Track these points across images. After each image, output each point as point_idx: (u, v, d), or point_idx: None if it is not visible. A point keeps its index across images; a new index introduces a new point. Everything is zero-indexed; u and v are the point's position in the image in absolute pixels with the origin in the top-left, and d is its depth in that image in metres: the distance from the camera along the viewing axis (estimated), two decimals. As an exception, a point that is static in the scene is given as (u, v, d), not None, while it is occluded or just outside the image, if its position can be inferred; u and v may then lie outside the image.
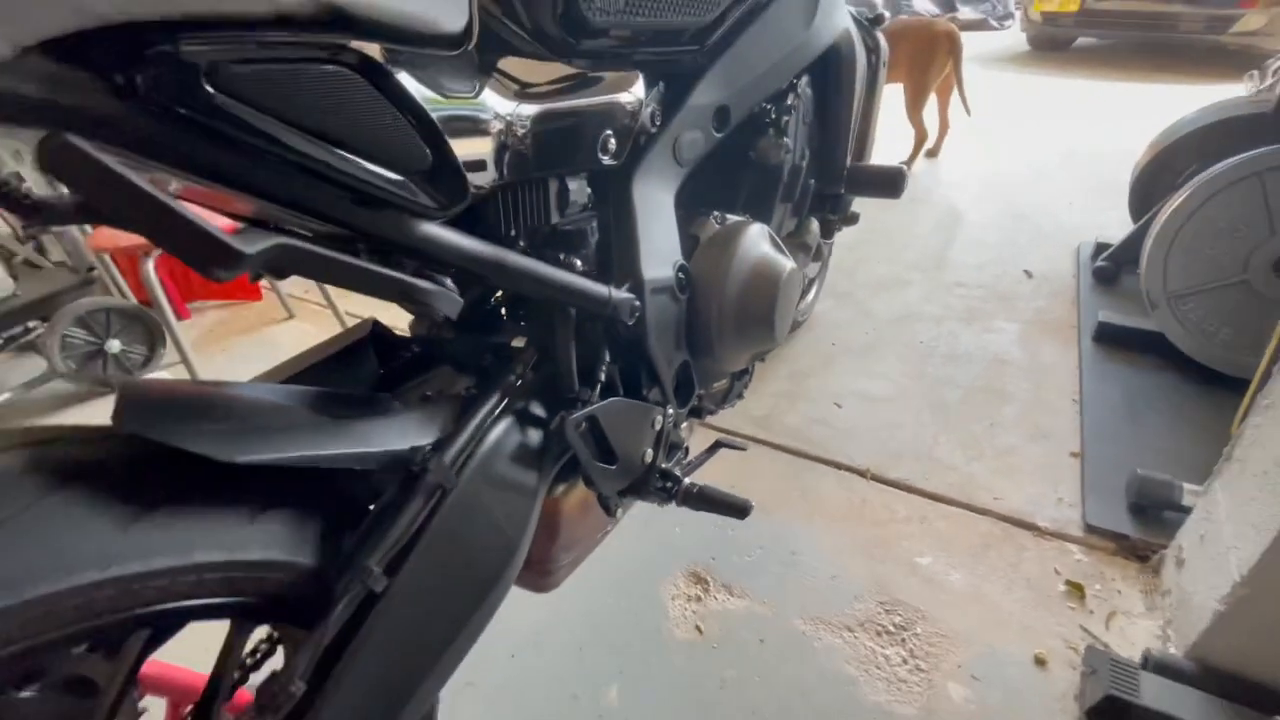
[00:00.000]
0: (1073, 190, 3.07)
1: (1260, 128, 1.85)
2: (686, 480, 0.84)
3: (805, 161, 1.12)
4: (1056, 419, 1.64)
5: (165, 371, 2.02)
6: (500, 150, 0.56)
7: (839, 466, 1.54)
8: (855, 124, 1.21)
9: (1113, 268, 2.17)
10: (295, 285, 2.48)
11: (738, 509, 0.81)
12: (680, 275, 0.84)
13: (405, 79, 0.46)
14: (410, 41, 0.46)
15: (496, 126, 0.56)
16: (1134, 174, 2.29)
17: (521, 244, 0.68)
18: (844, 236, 2.62)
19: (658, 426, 0.85)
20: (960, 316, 2.11)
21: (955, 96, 3.22)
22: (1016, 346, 1.94)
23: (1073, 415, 1.64)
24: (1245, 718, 0.97)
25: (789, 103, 1.01)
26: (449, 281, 0.57)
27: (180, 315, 2.28)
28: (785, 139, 1.01)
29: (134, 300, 2.05)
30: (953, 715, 1.04)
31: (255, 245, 0.40)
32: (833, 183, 1.22)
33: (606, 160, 0.72)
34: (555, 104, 0.63)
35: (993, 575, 1.25)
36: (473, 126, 0.54)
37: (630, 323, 0.75)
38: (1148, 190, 2.21)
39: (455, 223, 0.56)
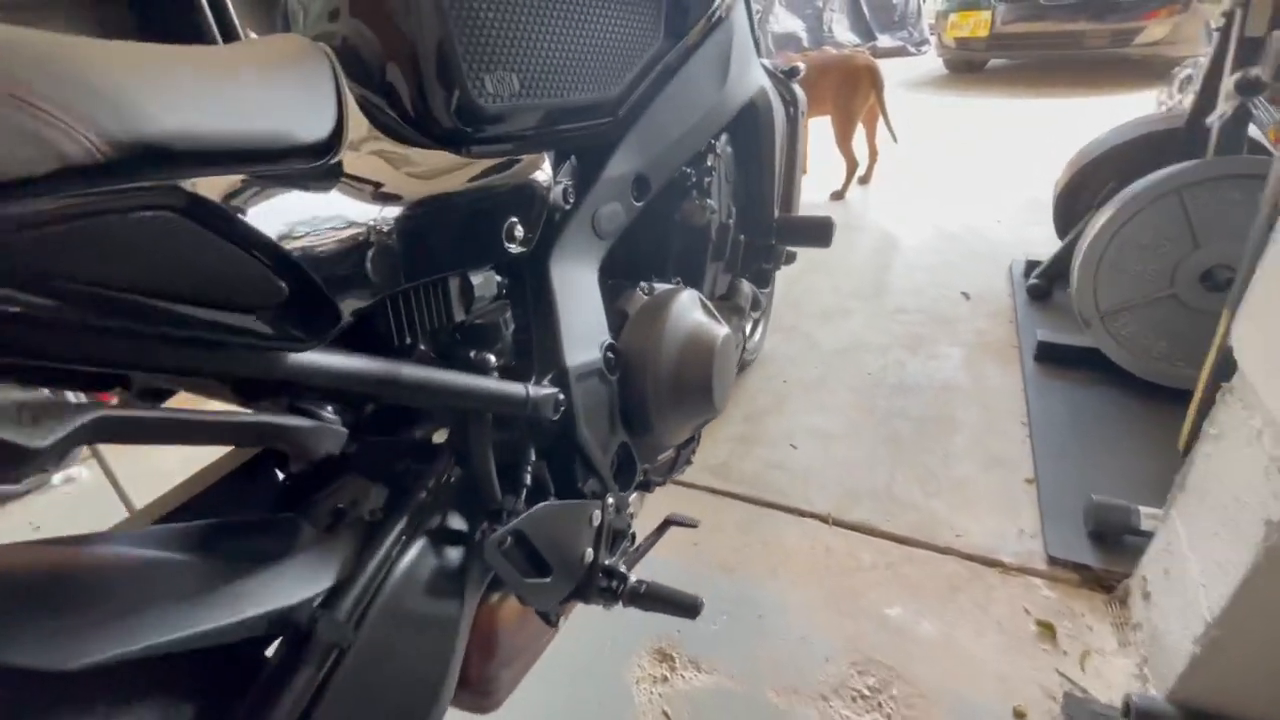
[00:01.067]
0: (999, 208, 3.17)
1: (1173, 143, 1.92)
2: (633, 579, 0.78)
3: (733, 219, 1.09)
4: (1008, 444, 1.64)
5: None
6: (380, 262, 0.50)
7: (800, 513, 1.50)
8: (780, 176, 1.20)
9: (1045, 284, 2.23)
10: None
11: (688, 608, 0.75)
12: (609, 355, 0.79)
13: (247, 206, 0.40)
14: (259, 161, 0.40)
15: (375, 237, 0.50)
16: (1055, 193, 2.36)
17: (422, 347, 0.62)
18: (786, 269, 2.64)
19: (596, 522, 0.78)
20: (904, 344, 2.12)
21: (882, 125, 3.32)
22: (962, 371, 1.95)
23: (1023, 439, 1.65)
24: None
25: (709, 164, 0.98)
26: (329, 411, 0.50)
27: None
28: (709, 200, 0.98)
29: None
30: (937, 784, 0.98)
31: (54, 434, 0.33)
32: (763, 235, 1.20)
33: (515, 248, 0.67)
34: (450, 200, 0.58)
35: (963, 621, 1.22)
36: (345, 243, 0.47)
37: (555, 418, 0.70)
38: (1069, 208, 2.27)
39: (338, 340, 0.50)
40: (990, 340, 2.09)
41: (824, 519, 1.47)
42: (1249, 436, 0.85)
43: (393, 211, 0.52)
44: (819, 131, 3.83)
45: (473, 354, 0.65)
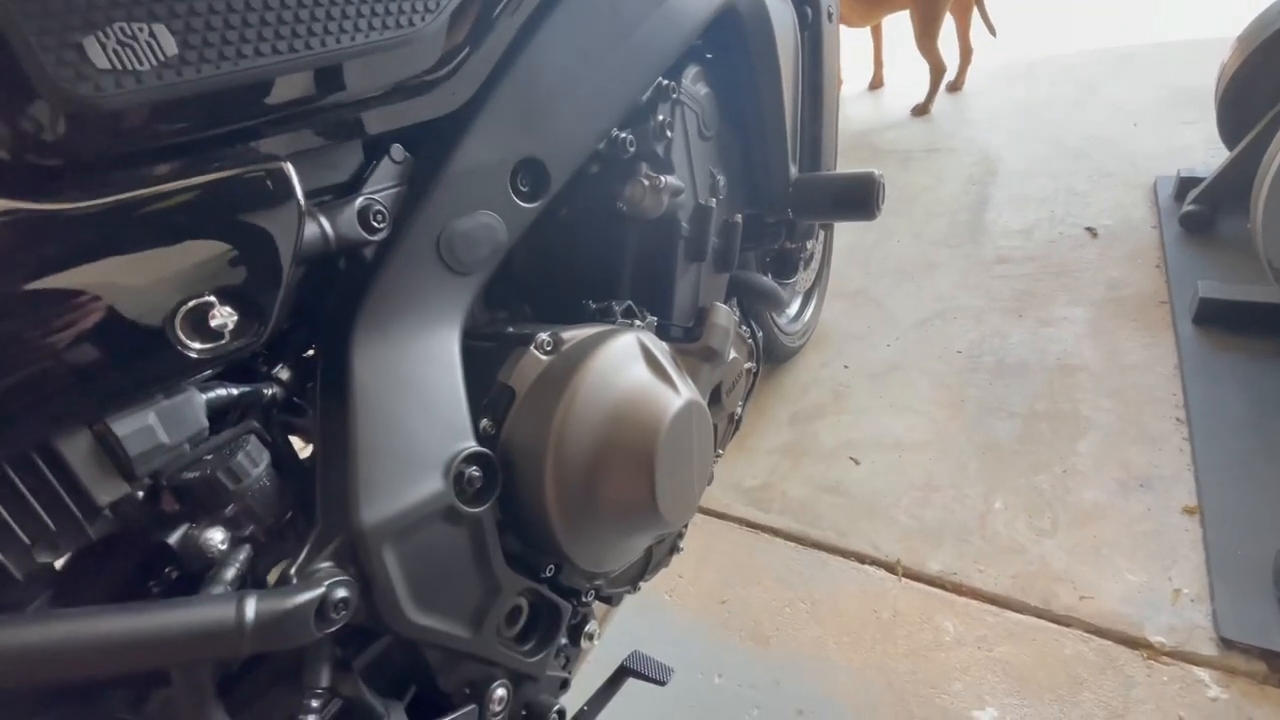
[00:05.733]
0: (1137, 106, 2.50)
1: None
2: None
3: (721, 195, 0.74)
4: (1156, 453, 1.20)
5: None
6: None
7: (860, 559, 1.16)
8: (797, 117, 0.81)
9: (1207, 211, 1.67)
10: None
11: None
12: (469, 473, 0.49)
13: None
14: None
15: None
16: (1220, 82, 1.75)
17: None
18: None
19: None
20: (1007, 307, 1.66)
21: (975, 16, 2.69)
22: (1087, 343, 1.48)
23: (1179, 444, 1.20)
24: None
25: (662, 119, 0.63)
26: None
27: None
28: (667, 178, 0.63)
29: None
30: None
31: None
32: (773, 206, 0.83)
33: (220, 347, 0.38)
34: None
35: (1090, 739, 0.86)
36: None
37: (319, 634, 0.40)
38: (1242, 103, 1.68)
39: None
40: (1128, 295, 1.59)
41: (892, 568, 1.13)
42: None
43: None
44: (896, 30, 3.19)
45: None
